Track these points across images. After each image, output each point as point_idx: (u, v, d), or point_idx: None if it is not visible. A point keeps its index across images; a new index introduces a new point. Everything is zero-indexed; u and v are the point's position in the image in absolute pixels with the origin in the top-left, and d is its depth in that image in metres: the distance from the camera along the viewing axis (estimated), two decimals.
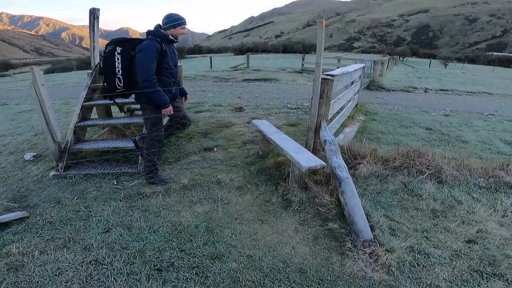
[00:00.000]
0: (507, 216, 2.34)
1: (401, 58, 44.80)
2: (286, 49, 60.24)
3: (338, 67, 12.40)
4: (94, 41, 4.23)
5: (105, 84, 2.80)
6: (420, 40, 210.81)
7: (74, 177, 3.11)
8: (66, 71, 33.01)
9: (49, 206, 2.58)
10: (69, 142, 3.32)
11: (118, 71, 2.70)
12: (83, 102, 3.57)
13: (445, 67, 29.99)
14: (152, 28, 2.76)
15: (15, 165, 3.54)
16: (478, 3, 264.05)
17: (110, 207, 2.48)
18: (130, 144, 3.32)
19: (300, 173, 2.53)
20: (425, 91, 8.87)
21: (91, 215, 2.38)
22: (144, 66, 2.57)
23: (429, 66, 29.16)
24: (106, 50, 2.71)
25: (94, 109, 4.17)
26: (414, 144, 4.05)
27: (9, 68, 62.81)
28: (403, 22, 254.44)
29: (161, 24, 2.74)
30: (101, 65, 2.74)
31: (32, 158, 3.71)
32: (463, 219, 2.29)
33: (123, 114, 4.75)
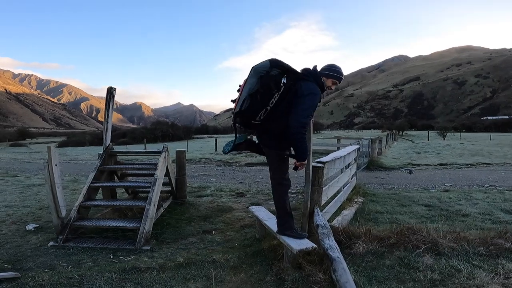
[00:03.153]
0: (510, 278, 2.32)
1: (400, 132, 46.43)
2: None
3: (338, 148, 12.84)
4: (108, 122, 4.36)
5: (242, 106, 2.35)
6: (416, 111, 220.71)
7: (72, 248, 3.21)
8: (80, 146, 34.62)
9: (42, 271, 2.67)
10: (72, 218, 3.47)
11: (272, 102, 2.36)
12: (91, 183, 3.80)
13: (444, 139, 30.85)
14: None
15: (15, 233, 3.71)
16: (462, 64, 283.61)
17: (103, 277, 2.53)
18: (130, 224, 3.43)
19: (293, 254, 2.60)
20: (410, 173, 8.85)
21: (84, 282, 2.44)
22: (308, 111, 2.35)
23: (428, 139, 30.01)
24: (270, 72, 2.34)
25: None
26: (413, 222, 4.05)
27: (26, 137, 66.29)
28: (398, 92, 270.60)
29: (319, 69, 2.60)
30: (258, 86, 2.31)
31: (33, 229, 3.85)
32: (463, 285, 2.25)
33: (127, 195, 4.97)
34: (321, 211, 3.30)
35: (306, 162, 2.55)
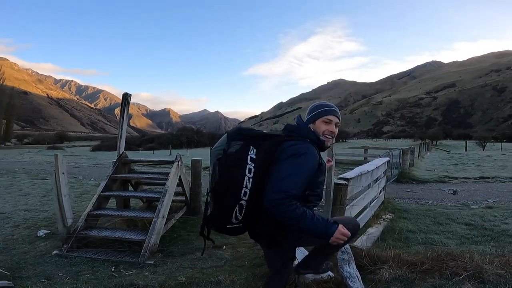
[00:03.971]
0: None
1: (434, 142, 43.86)
2: None
3: (365, 158, 12.02)
4: (122, 129, 4.22)
5: (208, 207, 1.61)
6: (452, 119, 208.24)
7: (75, 258, 3.13)
8: (111, 150, 36.24)
9: (39, 281, 2.60)
10: (79, 227, 3.36)
11: (245, 192, 1.45)
12: (101, 192, 3.69)
13: (483, 149, 28.63)
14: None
15: (25, 239, 3.73)
16: (502, 70, 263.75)
17: None
18: (136, 237, 3.28)
19: (305, 283, 2.27)
20: (454, 193, 7.87)
21: None
22: (289, 179, 1.46)
23: (466, 150, 27.98)
24: (229, 149, 1.52)
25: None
26: (451, 243, 3.61)
27: (64, 140, 70.63)
28: (431, 100, 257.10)
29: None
30: (214, 173, 1.55)
31: (43, 235, 3.83)
32: None
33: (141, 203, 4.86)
34: None
35: (343, 231, 1.50)
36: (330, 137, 1.69)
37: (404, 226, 4.43)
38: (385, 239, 3.67)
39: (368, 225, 4.23)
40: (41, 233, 3.87)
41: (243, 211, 1.49)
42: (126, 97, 4.25)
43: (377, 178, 4.75)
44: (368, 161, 6.57)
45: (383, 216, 4.82)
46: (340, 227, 1.50)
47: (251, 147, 1.51)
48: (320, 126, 1.67)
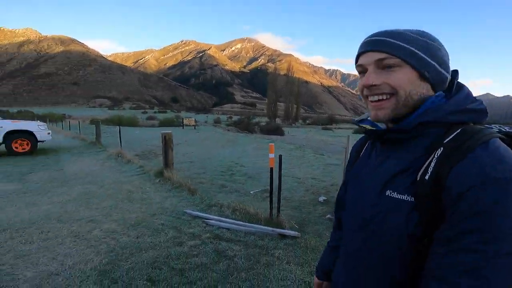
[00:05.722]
0: None
1: None
2: None
3: None
4: None
5: None
6: None
7: None
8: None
9: (313, 237, 3.37)
10: None
11: None
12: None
13: None
14: None
15: (310, 202, 4.83)
16: None
17: None
18: None
19: None
20: None
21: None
22: None
23: None
24: None
25: None
26: None
27: (333, 123, 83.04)
28: None
29: None
30: None
31: (322, 201, 4.82)
32: None
33: None
34: None
35: None
36: (373, 96, 0.67)
37: None
38: None
39: None
40: (320, 199, 4.92)
41: None
42: None
43: None
44: None
45: None
46: None
47: None
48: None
